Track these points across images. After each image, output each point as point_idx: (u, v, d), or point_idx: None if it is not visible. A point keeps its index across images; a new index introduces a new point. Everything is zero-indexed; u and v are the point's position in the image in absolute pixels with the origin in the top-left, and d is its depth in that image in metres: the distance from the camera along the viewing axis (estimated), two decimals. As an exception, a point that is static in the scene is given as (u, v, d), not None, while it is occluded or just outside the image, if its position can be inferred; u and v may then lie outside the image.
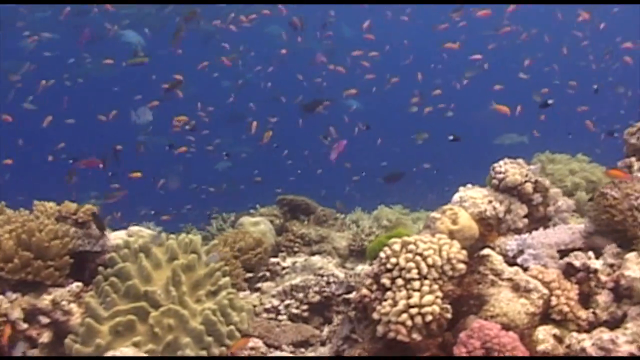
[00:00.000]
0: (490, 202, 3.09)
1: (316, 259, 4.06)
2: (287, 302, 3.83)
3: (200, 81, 12.06)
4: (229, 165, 11.83)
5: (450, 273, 2.75)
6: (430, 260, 2.71)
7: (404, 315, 2.63)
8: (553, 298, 2.79)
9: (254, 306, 3.72)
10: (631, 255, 2.87)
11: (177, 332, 3.19)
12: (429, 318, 2.62)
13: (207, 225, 5.44)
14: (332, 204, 5.31)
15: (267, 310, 3.79)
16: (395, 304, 2.68)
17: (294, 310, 3.77)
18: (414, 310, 2.63)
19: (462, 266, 2.75)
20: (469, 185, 3.31)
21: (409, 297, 2.68)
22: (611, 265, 2.93)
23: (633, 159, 3.27)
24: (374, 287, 2.83)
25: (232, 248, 4.02)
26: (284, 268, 4.17)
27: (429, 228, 2.93)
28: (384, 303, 2.72)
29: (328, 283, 3.77)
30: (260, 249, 4.10)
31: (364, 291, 2.85)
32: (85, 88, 13.38)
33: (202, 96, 11.59)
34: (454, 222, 2.89)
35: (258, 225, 4.44)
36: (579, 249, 3.30)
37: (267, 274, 4.10)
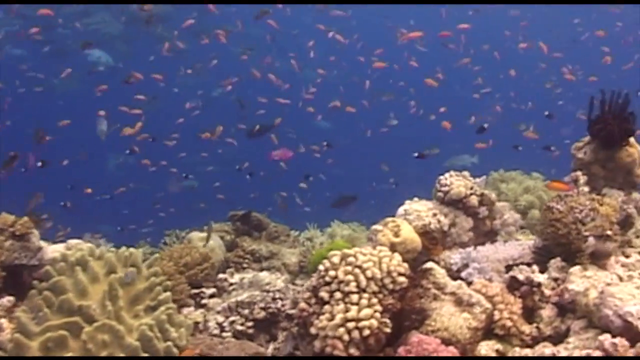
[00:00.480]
0: (434, 215, 2.98)
1: (264, 275, 3.91)
2: (232, 318, 3.65)
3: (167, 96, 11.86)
4: (194, 184, 11.62)
5: (390, 286, 2.62)
6: (369, 273, 2.58)
7: (341, 330, 2.49)
8: (496, 312, 2.67)
9: (197, 323, 3.54)
10: (575, 269, 2.78)
11: (112, 349, 2.99)
12: (366, 332, 2.48)
13: (163, 243, 5.25)
14: (284, 220, 5.15)
15: (211, 327, 3.60)
16: (332, 318, 2.53)
17: (239, 327, 3.60)
18: (351, 325, 2.49)
19: (402, 279, 2.63)
20: (416, 199, 3.20)
21: (346, 310, 2.54)
22: (555, 279, 2.84)
23: (579, 173, 3.19)
24: (313, 300, 2.69)
25: (178, 263, 3.84)
26: (231, 284, 3.99)
27: (371, 240, 2.79)
28: (322, 317, 2.58)
29: (274, 299, 3.61)
30: (207, 264, 3.93)
31: (302, 305, 2.71)
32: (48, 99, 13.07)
33: (168, 110, 11.38)
34: (396, 234, 2.77)
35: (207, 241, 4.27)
36: (528, 264, 3.20)
37: (214, 290, 3.92)
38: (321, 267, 2.69)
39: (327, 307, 2.62)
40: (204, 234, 4.33)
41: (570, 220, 2.87)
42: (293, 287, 3.94)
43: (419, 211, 2.99)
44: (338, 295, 2.60)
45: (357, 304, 2.55)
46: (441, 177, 3.11)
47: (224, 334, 3.62)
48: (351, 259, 2.64)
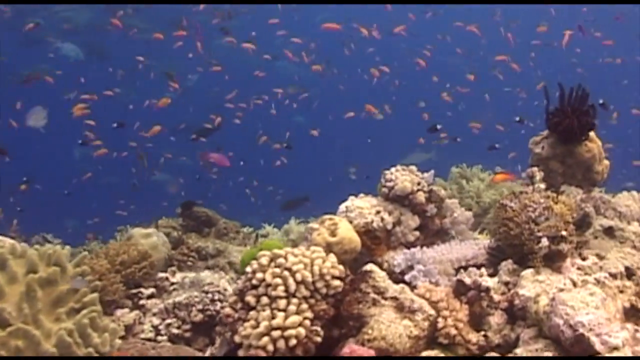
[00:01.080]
0: (378, 212, 2.69)
1: (205, 274, 3.59)
2: (168, 321, 3.34)
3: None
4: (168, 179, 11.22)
5: (324, 291, 2.33)
6: (299, 276, 2.28)
7: (265, 339, 2.19)
8: (440, 319, 2.39)
9: (126, 326, 3.22)
10: (527, 273, 2.50)
11: (27, 355, 2.65)
12: (293, 342, 2.19)
13: (112, 239, 4.91)
14: (238, 217, 4.84)
15: (146, 330, 3.28)
16: (257, 325, 2.23)
17: (175, 330, 3.28)
18: (276, 333, 2.20)
19: (337, 283, 2.33)
20: (362, 195, 2.90)
21: (272, 317, 2.23)
22: (506, 283, 2.56)
23: (535, 169, 2.92)
24: (239, 305, 2.39)
25: (113, 261, 3.51)
26: (172, 284, 3.67)
27: (307, 240, 2.49)
28: (246, 324, 2.28)
29: (213, 300, 3.29)
30: (146, 262, 3.60)
31: (227, 310, 2.41)
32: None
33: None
34: (332, 233, 2.47)
35: (149, 237, 3.94)
36: (481, 265, 2.92)
37: (153, 290, 3.60)
38: (248, 269, 2.39)
39: (252, 313, 2.32)
40: (147, 230, 4.00)
41: (523, 220, 2.59)
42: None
43: (361, 208, 2.69)
44: (265, 300, 2.30)
45: (284, 310, 2.25)
46: (386, 171, 2.82)
47: (160, 338, 3.29)
48: (281, 261, 2.34)
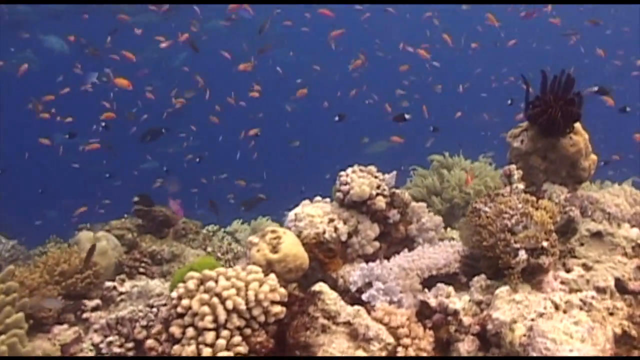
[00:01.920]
0: (331, 221, 2.27)
1: (155, 283, 3.17)
2: (110, 338, 2.91)
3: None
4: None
5: (262, 319, 1.91)
6: (230, 304, 1.87)
7: (187, 383, 1.77)
8: (400, 349, 1.98)
9: (63, 345, 2.81)
10: (502, 291, 2.10)
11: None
12: (219, 386, 1.76)
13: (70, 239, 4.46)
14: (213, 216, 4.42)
15: (85, 349, 2.86)
16: (180, 364, 1.81)
17: (117, 349, 2.85)
18: (200, 376, 1.77)
19: (277, 309, 1.92)
20: (318, 198, 2.48)
21: (198, 354, 1.81)
22: (479, 303, 2.15)
23: (513, 166, 2.49)
24: (163, 337, 1.96)
25: (52, 271, 3.08)
26: (121, 293, 3.24)
27: (246, 257, 2.07)
28: (168, 362, 1.85)
29: (157, 316, 2.86)
30: (90, 271, 3.17)
31: (150, 343, 1.99)
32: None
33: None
34: (274, 249, 2.05)
35: (98, 241, 3.51)
36: (455, 274, 2.52)
37: (98, 301, 3.17)
38: (174, 294, 1.98)
39: (177, 347, 1.90)
40: (95, 234, 3.57)
41: (498, 228, 2.17)
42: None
43: (312, 216, 2.27)
44: (191, 332, 1.88)
45: (211, 345, 1.83)
46: (342, 172, 2.39)
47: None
48: (210, 284, 1.92)
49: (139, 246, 3.66)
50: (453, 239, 3.19)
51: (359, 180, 2.31)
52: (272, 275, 1.99)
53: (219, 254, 3.62)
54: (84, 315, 3.17)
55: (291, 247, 2.09)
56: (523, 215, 2.18)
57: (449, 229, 3.94)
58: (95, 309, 3.21)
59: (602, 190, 3.02)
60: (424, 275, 2.52)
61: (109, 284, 3.32)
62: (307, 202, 2.48)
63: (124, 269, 3.55)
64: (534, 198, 2.27)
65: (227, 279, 1.93)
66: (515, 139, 2.70)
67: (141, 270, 3.54)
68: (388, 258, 2.46)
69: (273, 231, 2.13)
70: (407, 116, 4.39)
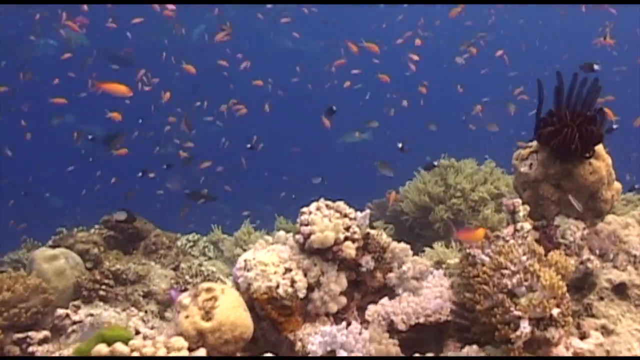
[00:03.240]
0: (287, 271, 1.74)
1: (109, 314, 2.71)
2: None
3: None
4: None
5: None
6: (137, 398, 1.36)
7: None
8: None
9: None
10: (498, 371, 1.56)
11: None
12: None
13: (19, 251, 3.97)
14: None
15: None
16: None
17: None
18: None
19: (202, 402, 1.41)
20: (281, 233, 1.96)
21: None
22: (467, 383, 1.62)
23: (517, 201, 1.95)
24: None
25: (-8, 301, 2.62)
26: (74, 323, 2.78)
27: (174, 322, 1.57)
28: None
29: (102, 358, 2.38)
30: (37, 299, 2.71)
31: None
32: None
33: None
34: (208, 314, 1.54)
35: (55, 260, 3.04)
36: (445, 323, 2.01)
37: (47, 333, 2.71)
38: (74, 376, 1.48)
39: None
40: (54, 252, 3.09)
41: (496, 288, 1.64)
42: (150, 331, 2.75)
43: (265, 265, 1.76)
44: None
45: None
46: (303, 209, 1.86)
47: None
48: (117, 368, 1.42)
49: (102, 265, 3.18)
50: (448, 267, 2.66)
51: (323, 221, 1.79)
52: (202, 352, 1.48)
53: (187, 277, 3.13)
54: (30, 349, 2.71)
55: (229, 313, 1.58)
56: (527, 274, 1.64)
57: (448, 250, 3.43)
58: (43, 341, 2.75)
59: (627, 217, 2.46)
60: (409, 322, 2.02)
61: (60, 311, 2.86)
62: (262, 242, 1.96)
63: (82, 291, 3.07)
64: (541, 250, 1.73)
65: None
66: (523, 163, 2.15)
67: (101, 293, 3.06)
68: (362, 310, 1.95)
69: (208, 290, 1.62)
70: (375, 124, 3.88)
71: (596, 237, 2.09)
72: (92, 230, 3.68)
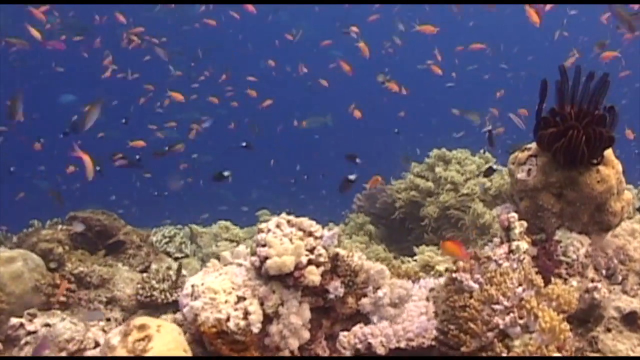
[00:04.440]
0: (240, 300, 1.43)
1: (64, 325, 2.40)
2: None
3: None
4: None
5: None
6: None
7: None
8: None
9: None
10: None
11: None
12: None
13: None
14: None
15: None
16: None
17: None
18: None
19: None
20: (240, 249, 1.65)
21: None
22: None
23: (513, 215, 1.62)
24: None
25: (-64, 309, 2.33)
26: (29, 333, 2.48)
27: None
28: None
29: (53, 377, 2.11)
30: (-11, 306, 2.41)
31: None
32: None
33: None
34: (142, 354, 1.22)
35: (12, 262, 2.72)
36: (430, 348, 1.71)
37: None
38: None
39: None
40: (10, 254, 2.78)
41: (485, 327, 1.32)
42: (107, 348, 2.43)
43: (215, 292, 1.45)
44: None
45: None
46: (262, 225, 1.54)
47: None
48: None
49: (64, 267, 2.87)
50: (441, 274, 2.39)
51: (281, 243, 1.47)
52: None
53: (153, 282, 2.81)
54: (-21, 363, 2.42)
55: (164, 353, 1.27)
56: (523, 310, 1.32)
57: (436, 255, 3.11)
58: (-8, 354, 2.45)
59: (633, 222, 2.15)
60: (389, 345, 1.71)
61: (14, 320, 2.56)
62: (214, 262, 1.65)
63: (41, 297, 2.76)
64: (540, 281, 1.41)
65: None
66: (520, 168, 1.82)
67: (62, 299, 2.75)
68: (331, 339, 1.64)
69: (141, 327, 1.31)
70: (357, 160, 3.57)
71: (602, 254, 1.78)
72: (59, 227, 3.36)
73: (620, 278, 1.71)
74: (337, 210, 4.70)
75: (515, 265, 1.53)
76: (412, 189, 3.85)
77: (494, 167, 3.17)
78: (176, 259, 3.47)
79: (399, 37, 7.24)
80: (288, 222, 1.56)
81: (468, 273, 1.55)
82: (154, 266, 3.12)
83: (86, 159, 2.91)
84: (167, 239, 3.61)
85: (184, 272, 2.99)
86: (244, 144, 4.82)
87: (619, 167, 1.77)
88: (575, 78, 1.71)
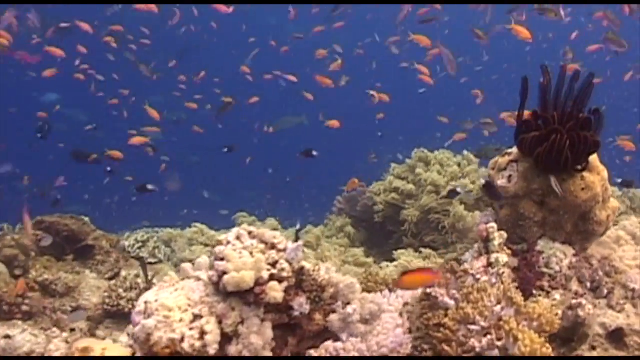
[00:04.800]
0: (197, 318, 1.29)
1: (23, 338, 2.25)
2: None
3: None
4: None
5: None
6: None
7: None
8: None
9: None
10: None
11: None
12: None
13: None
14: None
15: None
16: None
17: None
18: None
19: None
20: (202, 260, 1.51)
21: None
22: None
23: (492, 226, 1.50)
24: None
25: None
26: (-13, 345, 2.32)
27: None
28: None
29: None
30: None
31: None
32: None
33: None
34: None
35: (-26, 268, 2.58)
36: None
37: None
38: None
39: None
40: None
41: (460, 347, 1.20)
42: None
43: (169, 310, 1.31)
44: None
45: None
46: (220, 237, 1.40)
47: None
48: None
49: (28, 274, 2.72)
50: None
51: (240, 256, 1.34)
52: None
53: (120, 290, 2.66)
54: None
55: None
56: (501, 331, 1.20)
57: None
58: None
59: (618, 229, 2.04)
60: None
61: (-31, 332, 2.40)
62: (172, 276, 1.51)
63: (3, 306, 2.61)
64: (520, 299, 1.29)
65: None
66: (500, 174, 1.70)
67: (25, 308, 2.60)
68: (298, 357, 1.51)
69: (84, 351, 1.17)
70: (314, 153, 3.45)
71: (587, 265, 1.66)
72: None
73: (605, 292, 1.60)
74: (318, 212, 4.56)
75: (494, 280, 1.41)
76: (391, 191, 3.73)
77: (458, 189, 3.05)
78: (149, 264, 3.32)
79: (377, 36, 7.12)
80: (249, 233, 1.43)
81: (444, 288, 1.43)
82: (123, 273, 2.97)
83: (26, 220, 2.77)
84: (140, 244, 3.45)
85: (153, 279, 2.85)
86: (225, 149, 4.67)
87: (605, 174, 1.66)
88: (559, 79, 1.60)
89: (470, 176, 3.79)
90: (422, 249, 3.36)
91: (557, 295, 1.59)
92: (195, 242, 3.56)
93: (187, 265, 1.59)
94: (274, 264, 1.38)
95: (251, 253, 1.37)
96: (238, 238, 1.41)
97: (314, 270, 1.44)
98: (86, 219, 3.27)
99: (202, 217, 4.59)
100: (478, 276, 1.42)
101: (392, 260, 3.26)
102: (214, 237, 3.59)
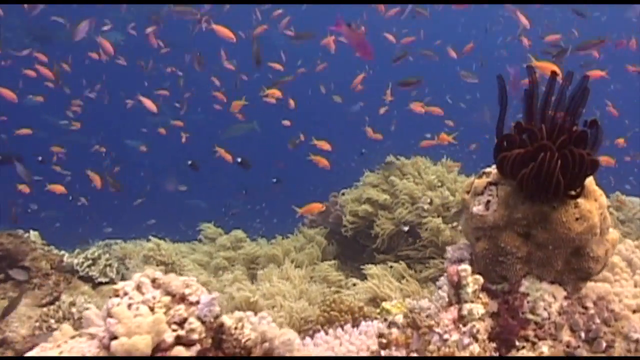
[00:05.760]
0: None
1: None
2: None
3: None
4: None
5: None
6: None
7: None
8: None
9: None
10: None
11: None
12: None
13: None
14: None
15: None
16: None
17: None
18: None
19: None
20: (90, 314, 1.15)
21: None
22: None
23: (466, 268, 1.16)
24: None
25: None
26: None
27: None
28: None
29: None
30: None
31: None
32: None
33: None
34: None
35: None
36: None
37: None
38: None
39: None
40: None
41: None
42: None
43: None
44: None
45: None
46: (117, 285, 1.05)
47: None
48: None
49: (-52, 301, 2.34)
50: (389, 313, 1.88)
51: (136, 314, 0.99)
52: None
53: (52, 321, 2.30)
54: None
55: None
56: None
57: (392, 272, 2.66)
58: None
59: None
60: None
61: None
62: (65, 329, 1.15)
63: None
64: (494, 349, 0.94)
65: None
66: (476, 199, 1.36)
67: (-58, 339, 2.22)
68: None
69: None
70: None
71: (581, 309, 1.33)
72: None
73: (604, 344, 1.27)
74: (289, 223, 4.21)
75: (466, 341, 1.07)
76: (363, 202, 3.39)
77: (425, 207, 2.77)
78: (99, 284, 2.95)
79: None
80: (153, 281, 1.09)
81: (402, 348, 1.09)
82: (63, 297, 2.60)
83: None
84: (90, 262, 3.07)
85: (90, 307, 2.49)
86: (189, 162, 4.33)
87: (603, 200, 1.32)
88: (549, 83, 1.27)
89: (451, 186, 3.46)
90: (395, 264, 3.04)
91: (544, 347, 1.26)
92: (152, 259, 3.19)
93: (90, 313, 1.23)
94: (181, 323, 1.03)
95: (152, 308, 1.02)
96: (138, 288, 1.06)
97: (236, 328, 1.09)
98: (27, 235, 2.91)
99: (165, 228, 4.24)
100: (446, 336, 1.09)
101: (365, 276, 2.95)
102: (171, 254, 3.23)
